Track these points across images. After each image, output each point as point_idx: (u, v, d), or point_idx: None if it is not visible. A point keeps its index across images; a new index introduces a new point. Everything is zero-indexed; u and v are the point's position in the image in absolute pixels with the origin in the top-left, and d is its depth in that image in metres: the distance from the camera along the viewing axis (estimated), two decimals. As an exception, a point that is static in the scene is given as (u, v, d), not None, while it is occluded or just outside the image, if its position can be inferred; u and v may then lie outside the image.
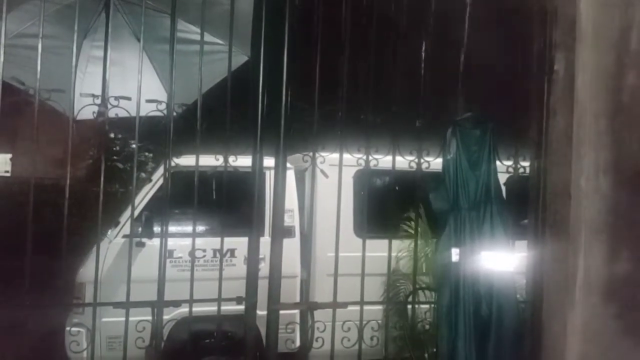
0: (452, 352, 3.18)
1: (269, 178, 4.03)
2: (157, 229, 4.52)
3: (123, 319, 2.96)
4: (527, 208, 3.31)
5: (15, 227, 3.00)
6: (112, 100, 2.92)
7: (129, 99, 2.93)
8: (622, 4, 2.95)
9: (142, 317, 3.01)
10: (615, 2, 2.96)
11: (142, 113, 2.96)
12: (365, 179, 3.45)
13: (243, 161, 3.10)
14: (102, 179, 3.10)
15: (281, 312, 3.09)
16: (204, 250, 4.65)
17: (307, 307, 3.24)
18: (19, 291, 2.75)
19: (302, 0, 3.08)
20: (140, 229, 4.61)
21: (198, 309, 3.06)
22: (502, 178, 3.37)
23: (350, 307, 3.14)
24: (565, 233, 3.01)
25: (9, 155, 12.54)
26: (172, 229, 4.63)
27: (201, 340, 4.05)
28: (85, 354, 3.58)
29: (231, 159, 3.06)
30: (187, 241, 3.74)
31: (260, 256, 3.10)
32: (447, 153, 3.29)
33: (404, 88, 3.21)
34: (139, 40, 3.26)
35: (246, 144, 3.07)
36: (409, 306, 3.38)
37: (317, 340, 3.18)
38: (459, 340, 3.15)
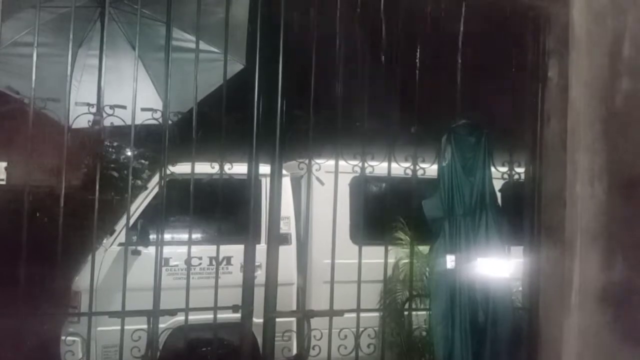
0: (448, 359, 3.17)
1: (265, 185, 4.04)
2: (152, 237, 4.51)
3: (119, 328, 2.95)
4: (522, 214, 3.32)
5: (10, 235, 2.99)
6: (107, 109, 2.92)
7: (124, 107, 2.93)
8: (614, 12, 2.97)
9: (138, 325, 3.00)
10: (607, 10, 2.98)
11: (138, 121, 2.96)
12: (361, 185, 3.45)
13: (239, 169, 3.10)
14: (97, 187, 3.09)
15: (278, 320, 3.08)
16: (200, 258, 4.63)
17: (304, 314, 3.23)
18: (14, 300, 2.73)
19: (298, 8, 3.09)
20: (135, 237, 4.59)
21: (194, 317, 3.04)
22: (497, 184, 3.38)
23: (346, 315, 3.14)
24: (560, 239, 3.01)
25: (4, 164, 12.49)
26: (168, 236, 4.63)
27: (197, 348, 4.04)
28: (80, 363, 3.56)
29: (227, 166, 3.05)
30: (183, 249, 3.73)
31: (257, 264, 3.10)
32: (442, 160, 3.30)
33: (399, 95, 3.22)
34: (134, 48, 3.27)
35: (242, 151, 3.07)
36: (406, 313, 3.38)
37: (313, 348, 3.17)
38: (455, 347, 3.15)
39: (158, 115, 3.00)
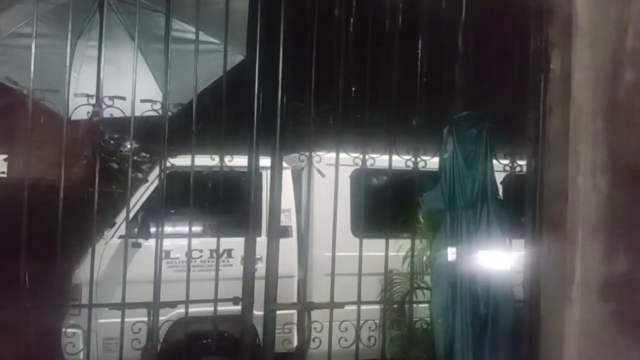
0: (449, 352, 3.17)
1: (266, 178, 4.02)
2: (153, 229, 4.51)
3: (119, 320, 2.95)
4: (524, 207, 3.31)
5: (11, 228, 2.98)
6: (106, 100, 2.90)
7: (123, 98, 2.91)
8: (618, 2, 2.95)
9: (138, 318, 3.00)
10: (611, 0, 2.96)
11: (137, 113, 2.94)
12: (362, 178, 3.44)
13: (239, 161, 3.08)
14: (97, 179, 3.08)
15: (278, 312, 3.08)
16: (201, 251, 4.63)
17: (304, 307, 3.23)
18: (15, 293, 2.73)
19: (298, -1, 3.07)
20: (136, 230, 4.59)
21: (195, 309, 3.04)
22: (499, 177, 3.36)
23: (347, 307, 3.13)
24: (562, 231, 3.00)
25: (4, 156, 12.48)
26: (169, 229, 4.62)
27: (198, 341, 4.04)
28: (81, 355, 3.56)
29: (227, 158, 3.04)
30: (184, 241, 3.73)
31: (257, 256, 3.09)
32: (444, 152, 3.28)
33: (401, 87, 3.20)
34: (133, 39, 3.24)
35: (242, 143, 3.06)
36: (407, 306, 3.38)
37: (314, 341, 3.17)
38: (456, 340, 3.15)
39: (158, 106, 2.98)
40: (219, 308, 3.03)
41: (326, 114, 3.26)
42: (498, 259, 3.21)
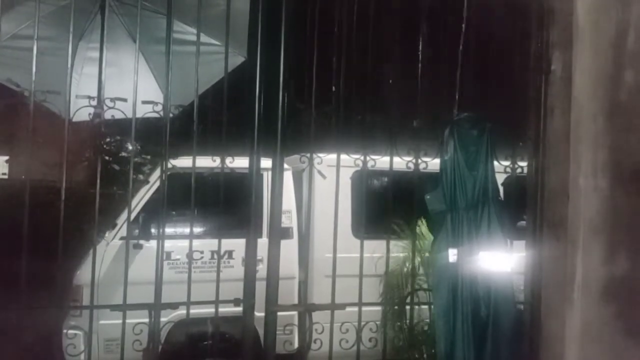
0: (450, 353, 3.17)
1: (267, 179, 4.02)
2: (154, 230, 4.51)
3: (120, 321, 2.95)
4: (525, 208, 3.30)
5: (13, 229, 2.99)
6: (108, 102, 2.91)
7: (125, 100, 2.92)
8: (618, 4, 2.95)
9: (139, 319, 3.00)
10: (612, 2, 2.96)
11: (139, 114, 2.95)
12: (363, 179, 3.44)
13: (240, 162, 3.09)
14: (98, 180, 3.09)
15: (279, 313, 3.07)
16: (202, 252, 4.63)
17: (305, 308, 3.23)
18: (16, 294, 2.73)
19: (299, 1, 3.07)
20: (137, 231, 4.59)
21: (196, 311, 3.04)
22: (500, 178, 3.36)
23: (348, 309, 3.13)
24: (563, 233, 3.00)
25: (6, 158, 12.52)
26: (170, 230, 4.63)
27: (199, 342, 4.05)
28: (82, 356, 3.57)
29: (228, 160, 3.04)
30: (185, 243, 3.73)
31: (258, 257, 3.09)
32: (445, 153, 3.28)
33: (401, 88, 3.21)
34: (134, 41, 3.25)
35: (243, 144, 3.06)
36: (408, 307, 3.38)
37: (315, 342, 3.16)
38: (457, 342, 3.14)
39: (159, 108, 2.98)
40: (220, 309, 3.04)
41: (327, 115, 3.27)
42: (499, 260, 3.21)
